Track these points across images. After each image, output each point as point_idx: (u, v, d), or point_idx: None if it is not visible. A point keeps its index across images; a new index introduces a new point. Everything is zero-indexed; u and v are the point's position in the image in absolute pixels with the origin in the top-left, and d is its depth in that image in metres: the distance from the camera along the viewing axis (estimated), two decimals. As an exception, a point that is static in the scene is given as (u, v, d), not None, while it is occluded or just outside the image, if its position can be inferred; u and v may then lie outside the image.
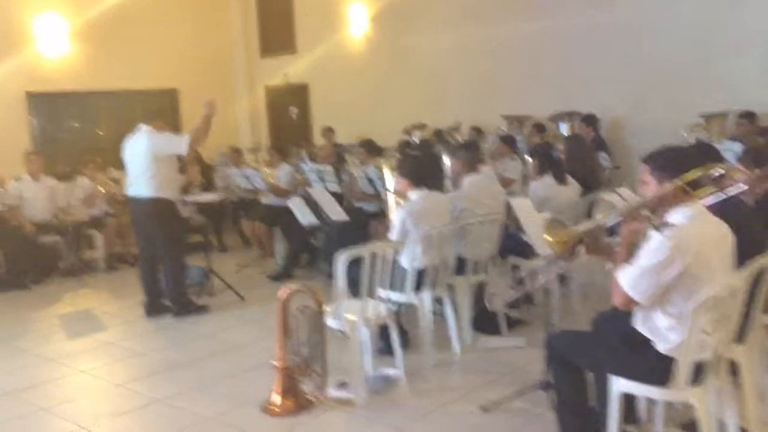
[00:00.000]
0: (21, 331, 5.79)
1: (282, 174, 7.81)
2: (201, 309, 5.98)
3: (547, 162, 5.37)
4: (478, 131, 9.09)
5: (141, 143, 5.69)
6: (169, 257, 5.85)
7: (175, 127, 11.18)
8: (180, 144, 5.64)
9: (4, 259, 7.42)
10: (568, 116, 8.53)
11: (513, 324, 5.03)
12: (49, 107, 10.68)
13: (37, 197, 7.72)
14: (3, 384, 4.51)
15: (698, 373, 2.73)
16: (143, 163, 5.65)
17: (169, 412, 4.01)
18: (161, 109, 6.08)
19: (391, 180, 5.27)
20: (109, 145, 9.86)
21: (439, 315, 4.79)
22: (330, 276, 5.36)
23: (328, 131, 10.43)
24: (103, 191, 8.09)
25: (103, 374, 4.68)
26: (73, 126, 11.17)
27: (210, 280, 6.50)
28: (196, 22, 11.86)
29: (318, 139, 10.95)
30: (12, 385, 4.50)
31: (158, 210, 5.72)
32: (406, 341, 4.57)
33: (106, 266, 8.02)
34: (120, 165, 6.08)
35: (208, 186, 8.85)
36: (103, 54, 10.68)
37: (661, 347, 2.74)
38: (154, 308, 5.91)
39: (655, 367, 2.73)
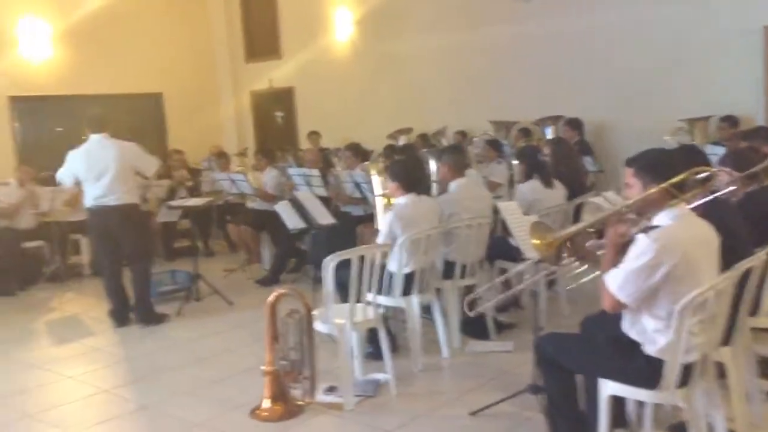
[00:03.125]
0: (7, 338, 5.73)
1: (268, 178, 7.80)
2: (162, 318, 5.93)
3: (534, 166, 5.40)
4: (463, 135, 9.13)
5: (112, 154, 5.65)
6: (141, 263, 5.84)
7: (159, 130, 11.24)
8: (151, 167, 5.99)
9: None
10: (553, 120, 8.59)
11: (501, 328, 5.05)
12: (33, 112, 10.59)
13: (22, 204, 7.64)
14: (-11, 391, 4.47)
15: (686, 375, 2.76)
16: (120, 173, 5.63)
17: (158, 417, 3.99)
18: (106, 114, 5.97)
19: (378, 184, 5.27)
20: (94, 150, 9.78)
21: (427, 319, 4.81)
22: (317, 280, 5.34)
23: (314, 135, 10.44)
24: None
25: (90, 380, 4.65)
26: (57, 130, 11.08)
27: (197, 285, 6.47)
28: (181, 26, 11.83)
29: (303, 144, 10.95)
30: (-2, 391, 4.46)
31: (133, 216, 5.77)
32: (394, 346, 4.58)
33: (92, 271, 7.95)
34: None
35: (194, 190, 8.82)
36: (87, 58, 10.63)
37: (650, 349, 2.77)
38: (124, 318, 5.84)
39: (644, 370, 2.76)
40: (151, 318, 5.82)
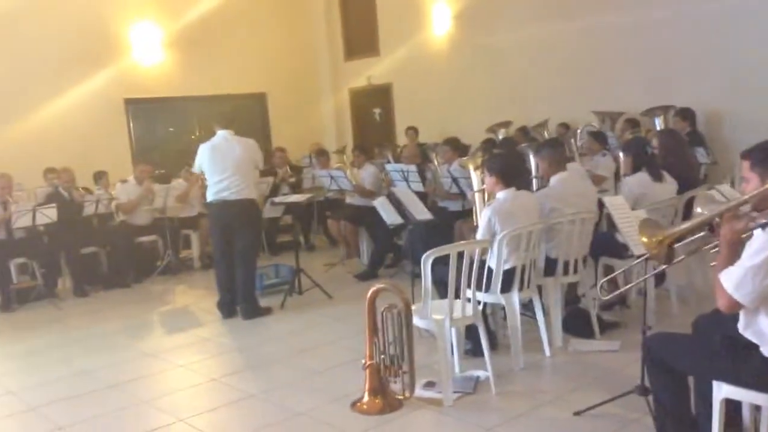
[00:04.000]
0: (123, 327, 6.10)
1: (366, 174, 7.90)
2: (267, 311, 6.08)
3: (642, 158, 5.17)
4: (566, 128, 8.89)
5: (237, 150, 5.83)
6: (251, 258, 6.00)
7: (262, 129, 11.65)
8: (261, 161, 6.22)
9: (106, 258, 7.83)
10: (662, 111, 8.21)
11: (606, 327, 4.88)
12: (146, 113, 11.21)
13: (140, 200, 8.08)
14: (108, 377, 4.76)
15: (810, 380, 2.57)
16: (242, 168, 5.81)
17: (263, 406, 4.12)
18: (231, 115, 6.15)
19: (475, 179, 5.21)
20: (202, 149, 10.27)
21: (528, 316, 4.71)
22: (415, 275, 5.36)
23: (411, 131, 10.46)
24: (199, 192, 8.41)
25: (200, 369, 4.86)
26: (168, 130, 11.68)
27: (299, 279, 6.63)
28: (283, 28, 12.17)
29: (401, 139, 11.01)
30: (116, 378, 4.74)
31: (251, 211, 5.94)
32: (494, 343, 4.52)
33: (201, 265, 8.32)
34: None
35: (296, 187, 9.05)
36: (195, 60, 11.13)
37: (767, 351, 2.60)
38: (231, 310, 6.04)
39: (762, 372, 2.60)
40: (256, 311, 5.99)
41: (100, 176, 8.45)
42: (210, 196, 5.95)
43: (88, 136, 9.99)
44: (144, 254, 8.14)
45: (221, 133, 5.91)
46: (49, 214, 6.96)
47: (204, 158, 5.92)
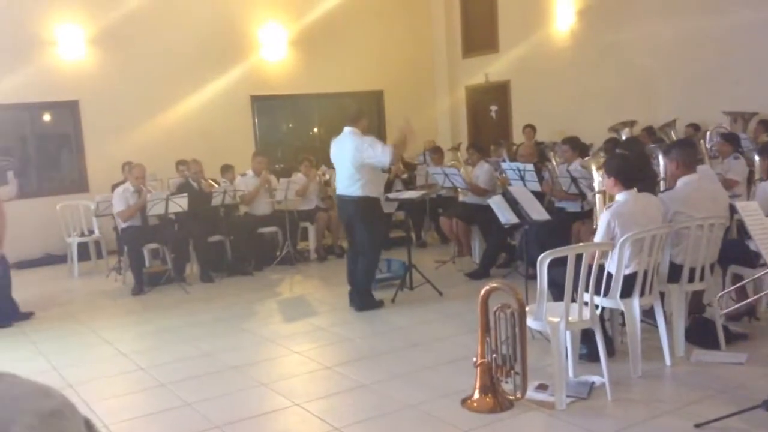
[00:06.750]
0: (245, 313, 6.41)
1: (480, 172, 7.85)
2: (379, 304, 6.18)
3: (779, 162, 4.86)
4: (695, 128, 8.45)
5: (348, 147, 5.93)
6: (368, 253, 6.09)
7: (378, 126, 11.82)
8: (384, 157, 5.81)
9: (230, 247, 8.23)
10: (803, 112, 7.64)
11: (732, 338, 4.62)
12: (269, 109, 11.66)
13: (259, 191, 8.42)
14: (230, 360, 5.02)
15: None
16: (350, 166, 5.91)
17: (374, 397, 4.21)
18: (362, 109, 6.25)
19: (597, 180, 5.06)
20: (321, 144, 10.64)
21: (648, 323, 4.54)
22: (528, 276, 5.29)
23: (529, 129, 10.29)
24: (316, 187, 8.69)
25: (315, 356, 5.03)
26: (290, 126, 12.11)
27: (410, 275, 6.70)
28: (401, 26, 12.28)
29: (517, 138, 10.85)
30: (237, 361, 4.99)
31: (365, 208, 6.00)
32: (611, 349, 4.39)
33: (317, 257, 8.59)
34: (331, 163, 6.46)
35: (409, 184, 9.13)
36: (316, 59, 11.46)
37: None
38: (352, 299, 6.18)
39: None
40: (367, 304, 6.12)
41: (226, 169, 8.89)
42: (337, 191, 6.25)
43: (217, 131, 10.51)
44: (265, 244, 8.51)
45: (345, 130, 6.07)
46: (180, 203, 7.40)
47: (331, 154, 6.20)
